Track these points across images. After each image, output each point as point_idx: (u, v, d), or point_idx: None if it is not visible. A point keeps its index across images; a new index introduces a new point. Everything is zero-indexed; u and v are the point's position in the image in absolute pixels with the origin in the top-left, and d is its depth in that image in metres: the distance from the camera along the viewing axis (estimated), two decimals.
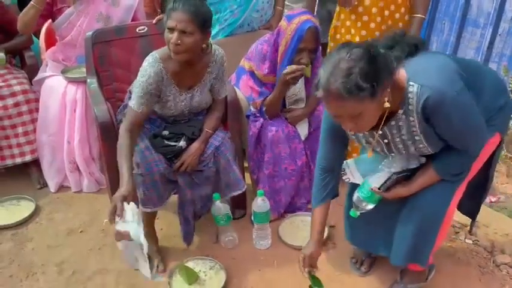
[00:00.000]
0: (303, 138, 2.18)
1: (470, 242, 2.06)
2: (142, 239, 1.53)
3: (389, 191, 1.54)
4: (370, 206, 1.57)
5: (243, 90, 2.20)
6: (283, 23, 2.01)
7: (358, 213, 1.59)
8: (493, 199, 2.39)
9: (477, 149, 1.47)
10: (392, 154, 1.54)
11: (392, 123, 1.41)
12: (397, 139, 1.46)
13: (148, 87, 1.74)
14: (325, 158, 1.65)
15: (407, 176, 1.55)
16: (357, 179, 1.63)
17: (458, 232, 2.11)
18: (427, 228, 1.55)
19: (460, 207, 1.76)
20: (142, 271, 1.64)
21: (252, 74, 2.16)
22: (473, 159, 1.48)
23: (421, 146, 1.43)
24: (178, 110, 1.87)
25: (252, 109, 2.16)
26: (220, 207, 1.96)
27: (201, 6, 1.72)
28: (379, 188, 1.53)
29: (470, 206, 1.80)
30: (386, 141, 1.49)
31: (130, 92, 1.92)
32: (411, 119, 1.37)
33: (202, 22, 1.70)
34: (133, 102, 1.76)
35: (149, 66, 1.75)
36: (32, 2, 2.31)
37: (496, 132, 1.55)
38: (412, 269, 1.75)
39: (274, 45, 2.06)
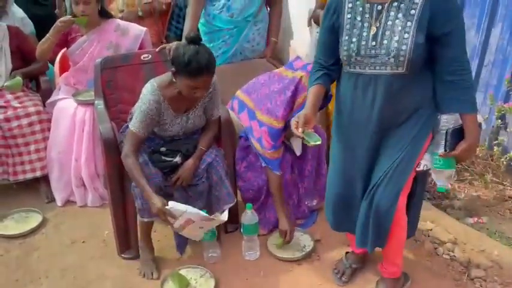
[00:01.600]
0: (298, 153, 2.33)
1: (448, 257, 2.17)
2: (203, 213, 1.86)
3: (455, 148, 1.60)
4: (452, 171, 1.64)
5: (244, 123, 2.32)
6: (305, 79, 2.08)
7: (446, 185, 1.67)
8: (475, 219, 2.49)
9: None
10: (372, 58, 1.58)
11: (395, 3, 1.52)
12: (389, 22, 1.53)
13: (149, 113, 1.93)
14: (322, 55, 1.75)
15: (456, 129, 1.61)
16: (426, 160, 1.72)
17: (437, 248, 2.22)
18: (380, 223, 1.69)
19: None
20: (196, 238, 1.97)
21: (268, 126, 2.19)
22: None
23: (405, 36, 1.50)
24: (174, 131, 2.06)
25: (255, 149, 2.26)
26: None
27: (212, 58, 1.87)
28: (445, 151, 1.61)
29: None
30: (378, 25, 1.55)
31: (131, 114, 2.11)
32: (416, 0, 1.48)
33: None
34: (135, 126, 1.94)
35: (149, 93, 1.94)
36: (48, 35, 2.58)
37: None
38: (387, 277, 1.89)
39: (292, 96, 2.13)
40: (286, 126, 2.22)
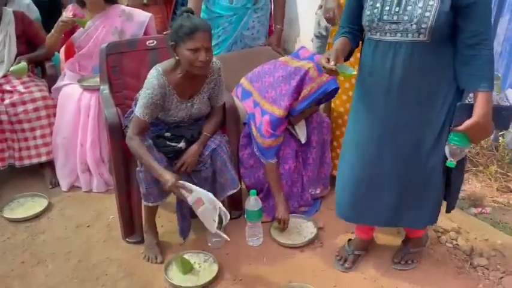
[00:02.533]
0: (303, 140, 2.33)
1: (451, 245, 2.18)
2: (211, 195, 1.86)
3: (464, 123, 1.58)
4: (464, 149, 1.63)
5: (247, 109, 2.34)
6: (313, 71, 2.12)
7: (455, 162, 1.65)
8: (480, 210, 2.49)
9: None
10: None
11: None
12: None
13: (154, 98, 1.93)
14: (346, 21, 1.78)
15: (467, 104, 1.60)
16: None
17: (440, 236, 2.23)
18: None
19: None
20: (209, 227, 1.89)
21: (269, 114, 2.20)
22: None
23: (430, 3, 1.50)
24: (179, 117, 2.06)
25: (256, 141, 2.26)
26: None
27: (205, 21, 1.95)
28: (456, 126, 1.60)
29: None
30: None
31: (136, 99, 2.11)
32: None
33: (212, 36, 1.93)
34: (140, 111, 1.95)
35: (154, 79, 1.95)
36: (52, 31, 2.66)
37: None
38: (412, 237, 2.03)
39: (297, 87, 2.14)
40: (288, 116, 2.23)
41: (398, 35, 1.59)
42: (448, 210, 1.89)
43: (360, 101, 1.80)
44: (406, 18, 1.55)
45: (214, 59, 2.07)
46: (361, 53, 1.79)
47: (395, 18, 1.57)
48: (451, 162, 1.66)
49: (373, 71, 1.69)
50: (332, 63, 1.59)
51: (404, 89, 1.65)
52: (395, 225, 1.99)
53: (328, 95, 2.24)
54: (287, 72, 2.18)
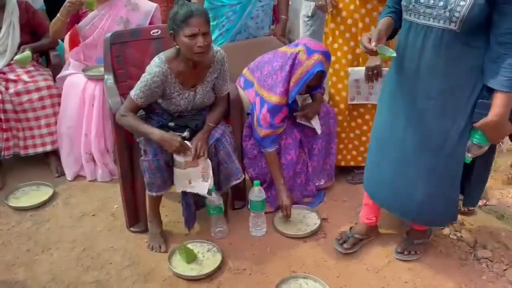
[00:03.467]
0: (319, 132, 2.34)
1: (455, 237, 2.17)
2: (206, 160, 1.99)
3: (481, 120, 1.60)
4: (483, 147, 1.64)
5: (250, 98, 2.34)
6: (302, 53, 2.14)
7: (471, 158, 1.68)
8: (484, 201, 2.48)
9: None
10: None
11: None
12: None
13: (152, 84, 1.93)
14: (391, 2, 1.81)
15: (486, 102, 1.59)
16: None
17: (443, 228, 2.22)
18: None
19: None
20: (199, 191, 2.02)
21: (267, 103, 2.21)
22: None
23: None
24: (182, 106, 2.05)
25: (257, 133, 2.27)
26: (214, 198, 2.10)
27: (202, 6, 1.92)
28: (474, 122, 1.62)
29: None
30: None
31: None
32: None
33: (209, 20, 1.92)
34: (135, 93, 1.95)
35: (155, 66, 1.94)
36: (58, 15, 2.60)
37: None
38: (416, 229, 2.04)
39: (289, 72, 2.16)
40: (288, 108, 2.22)
41: (431, 19, 1.59)
42: (466, 204, 1.90)
43: (391, 80, 1.82)
44: (441, 4, 1.54)
45: (218, 48, 2.06)
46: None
47: (431, 2, 1.57)
48: (468, 158, 1.68)
49: (404, 52, 1.71)
50: (373, 44, 1.62)
51: (432, 74, 1.65)
52: (416, 219, 1.94)
53: (318, 79, 2.22)
54: (283, 60, 2.20)
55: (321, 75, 2.20)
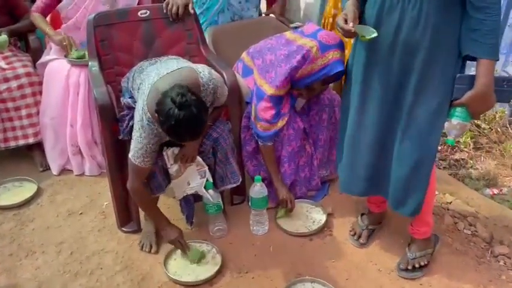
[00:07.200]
0: (297, 108, 2.17)
1: (469, 232, 2.05)
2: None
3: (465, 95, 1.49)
4: (465, 124, 1.53)
5: (250, 85, 2.15)
6: (315, 50, 1.88)
7: (455, 139, 1.58)
8: (495, 191, 2.37)
9: None
10: None
11: None
12: None
13: (151, 147, 1.70)
14: None
15: (467, 75, 1.51)
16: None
17: (457, 223, 2.09)
18: (419, 170, 1.61)
19: None
20: (198, 189, 1.94)
21: (267, 95, 2.01)
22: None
23: None
24: None
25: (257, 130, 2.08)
26: (211, 196, 1.95)
27: (201, 118, 1.53)
28: (456, 99, 1.51)
29: None
30: None
31: (127, 78, 1.94)
32: None
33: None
34: (140, 160, 1.70)
35: (147, 128, 1.66)
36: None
37: None
38: (419, 238, 1.83)
39: (297, 66, 1.92)
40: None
41: None
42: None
43: (361, 61, 1.65)
44: None
45: (208, 79, 1.74)
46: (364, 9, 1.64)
47: None
48: (451, 139, 1.56)
49: (379, 26, 1.54)
50: (350, 24, 1.49)
51: (409, 48, 1.51)
52: (381, 193, 1.81)
53: (335, 76, 2.01)
54: (290, 50, 1.96)
55: (338, 77, 1.97)
